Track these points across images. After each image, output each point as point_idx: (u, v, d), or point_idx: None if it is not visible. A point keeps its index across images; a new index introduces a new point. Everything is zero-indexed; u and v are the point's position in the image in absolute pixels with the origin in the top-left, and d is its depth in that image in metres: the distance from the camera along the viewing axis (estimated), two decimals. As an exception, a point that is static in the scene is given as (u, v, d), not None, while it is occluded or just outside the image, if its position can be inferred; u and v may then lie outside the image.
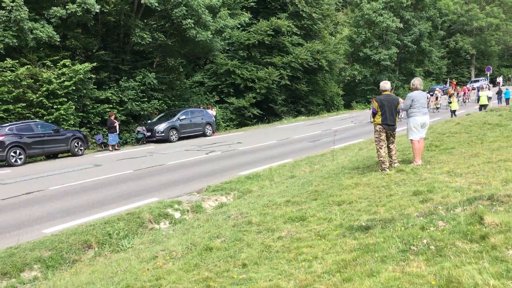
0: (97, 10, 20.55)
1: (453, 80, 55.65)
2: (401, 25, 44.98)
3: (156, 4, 21.88)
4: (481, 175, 6.81)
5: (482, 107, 25.57)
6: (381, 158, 8.53)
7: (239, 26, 30.92)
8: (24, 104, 19.26)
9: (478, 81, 54.59)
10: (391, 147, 8.78)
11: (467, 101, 36.90)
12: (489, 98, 27.39)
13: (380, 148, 8.53)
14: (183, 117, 23.58)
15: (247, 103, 31.78)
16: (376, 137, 8.62)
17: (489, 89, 35.15)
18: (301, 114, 36.13)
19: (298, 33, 36.08)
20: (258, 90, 32.02)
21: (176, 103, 27.50)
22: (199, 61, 34.95)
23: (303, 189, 8.63)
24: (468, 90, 39.04)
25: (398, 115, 9.01)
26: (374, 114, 8.79)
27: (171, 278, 4.92)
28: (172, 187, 11.89)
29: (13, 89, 18.80)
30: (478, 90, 30.96)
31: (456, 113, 24.92)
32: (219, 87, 32.27)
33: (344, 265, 4.28)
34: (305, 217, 6.32)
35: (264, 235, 5.90)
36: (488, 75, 53.40)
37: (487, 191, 5.66)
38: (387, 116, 8.50)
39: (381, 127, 8.54)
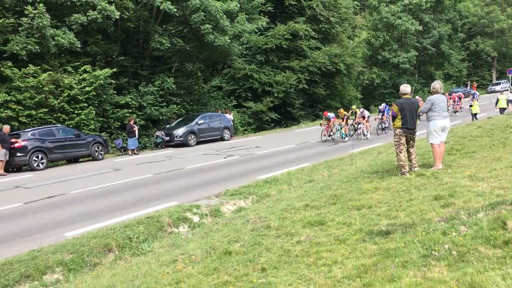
0: (117, 17, 20.85)
1: (474, 82, 54.81)
2: (420, 28, 44.53)
3: (175, 10, 22.10)
4: (504, 179, 6.69)
5: (502, 110, 25.10)
6: (401, 162, 8.44)
7: (257, 30, 31.02)
8: (46, 110, 19.61)
9: (499, 83, 53.64)
10: (411, 151, 8.69)
11: (459, 111, 29.89)
12: (509, 101, 26.63)
13: (400, 152, 8.44)
14: (201, 121, 23.71)
15: (264, 107, 31.79)
16: (396, 141, 8.54)
17: (511, 92, 33.94)
18: (319, 118, 35.93)
19: (316, 37, 36.01)
20: (275, 94, 32.02)
21: (194, 107, 27.67)
22: (217, 66, 35.13)
23: (321, 193, 8.60)
24: (459, 98, 30.96)
25: (418, 118, 8.91)
26: (393, 118, 8.71)
27: (191, 281, 4.94)
28: (190, 191, 11.96)
29: (36, 95, 19.16)
30: (473, 98, 26.03)
31: (477, 116, 24.54)
32: (237, 91, 32.37)
33: (364, 270, 4.25)
34: (324, 222, 6.29)
35: (283, 240, 5.90)
36: (510, 77, 52.44)
37: (510, 195, 5.56)
38: (407, 119, 8.41)
39: (401, 131, 8.46)
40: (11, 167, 16.94)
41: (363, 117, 21.09)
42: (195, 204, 10.24)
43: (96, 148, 19.21)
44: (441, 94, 8.76)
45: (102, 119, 22.25)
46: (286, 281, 4.44)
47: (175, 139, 22.48)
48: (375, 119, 23.04)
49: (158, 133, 23.33)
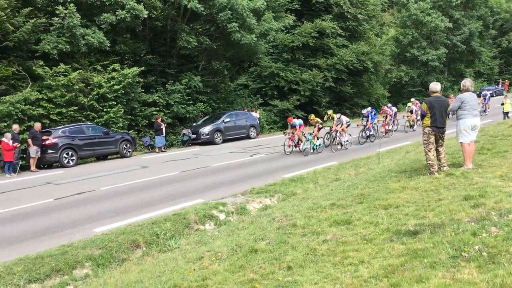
0: (145, 16, 21.13)
1: (506, 80, 53.35)
2: (450, 25, 43.61)
3: (202, 9, 22.25)
4: (538, 180, 6.50)
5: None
6: (430, 162, 8.29)
7: (284, 28, 30.90)
8: (76, 108, 20.03)
9: None
10: (440, 150, 8.52)
11: (395, 127, 23.54)
12: None
13: (429, 151, 8.29)
14: (228, 119, 23.82)
15: (291, 106, 31.70)
16: (425, 140, 8.39)
17: None
18: (345, 116, 35.62)
19: (343, 34, 35.66)
20: (302, 93, 31.88)
21: (221, 105, 27.80)
22: (243, 64, 35.19)
23: (348, 192, 8.53)
24: (391, 116, 22.57)
25: (448, 117, 8.73)
26: (422, 117, 8.56)
27: (217, 278, 4.98)
28: (216, 189, 12.05)
29: (66, 93, 19.59)
30: (505, 97, 24.12)
31: (509, 115, 23.89)
32: (263, 89, 32.36)
33: (392, 270, 4.20)
34: (351, 221, 6.24)
35: (309, 238, 5.88)
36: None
37: (544, 196, 5.40)
38: (437, 118, 8.25)
39: (430, 129, 8.30)
40: (43, 164, 17.39)
41: (341, 124, 18.10)
42: (221, 202, 10.31)
43: (124, 146, 19.53)
44: (471, 92, 8.57)
45: (130, 117, 22.58)
46: (312, 279, 4.43)
47: (202, 137, 22.65)
48: (358, 125, 20.28)
49: (184, 131, 23.56)
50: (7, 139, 15.90)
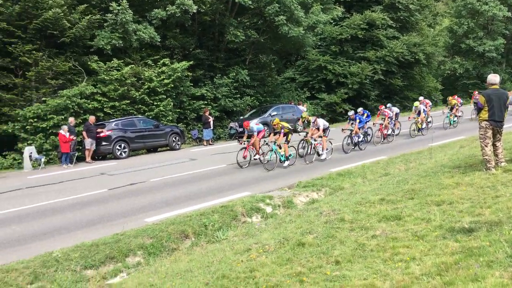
0: (195, 10, 21.45)
1: None
2: (509, 14, 41.42)
3: (250, 2, 22.30)
4: None
5: None
6: (486, 157, 7.94)
7: (332, 21, 30.48)
8: (128, 101, 20.63)
9: None
10: (497, 145, 8.13)
11: (396, 131, 19.41)
12: None
13: (486, 146, 7.93)
14: (274, 113, 23.77)
15: (338, 99, 31.25)
16: (481, 134, 8.01)
17: None
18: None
19: (394, 25, 34.68)
20: (350, 86, 31.34)
21: (268, 99, 27.81)
22: (290, 57, 35.02)
23: (398, 187, 8.32)
24: (390, 118, 18.51)
25: (506, 110, 8.31)
26: (479, 110, 8.19)
27: (265, 270, 5.01)
28: (263, 182, 12.10)
29: (119, 87, 20.23)
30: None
31: None
32: (310, 83, 32.06)
33: (445, 268, 4.07)
34: (401, 217, 6.09)
35: (357, 233, 5.79)
36: None
37: None
38: (495, 111, 7.85)
39: (487, 123, 7.92)
40: (97, 155, 18.06)
41: (317, 129, 15.01)
42: (268, 195, 10.35)
43: (173, 139, 19.95)
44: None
45: (179, 110, 23.04)
46: (361, 275, 4.37)
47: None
48: (343, 130, 16.42)
49: (232, 124, 23.76)
50: (64, 131, 16.61)
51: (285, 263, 5.17)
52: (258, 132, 14.89)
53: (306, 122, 16.70)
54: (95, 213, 9.79)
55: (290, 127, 14.69)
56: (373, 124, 18.34)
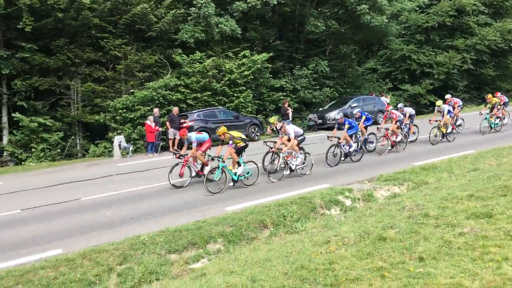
0: (275, 2, 21.52)
1: None
2: None
3: (331, -8, 21.98)
4: None
5: None
6: None
7: (417, 8, 29.18)
8: (210, 93, 21.20)
9: None
10: None
11: (411, 137, 16.28)
12: None
13: None
14: (355, 104, 23.27)
15: (423, 90, 29.89)
16: None
17: None
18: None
19: (486, 11, 32.41)
20: (436, 76, 29.83)
21: (348, 90, 27.31)
22: (372, 47, 34.06)
23: (489, 183, 7.84)
24: (400, 122, 15.44)
25: None
26: None
27: (344, 263, 4.95)
28: (342, 175, 11.93)
29: (201, 79, 20.86)
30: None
31: None
32: (393, 73, 30.95)
33: (543, 271, 3.78)
34: (492, 214, 5.74)
35: (443, 230, 5.54)
36: None
37: None
38: None
39: None
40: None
41: (289, 138, 12.08)
42: (347, 188, 10.20)
43: (252, 130, 20.23)
44: None
45: (258, 101, 23.32)
46: (447, 273, 4.18)
47: (328, 122, 22.47)
48: (329, 138, 13.21)
49: (311, 116, 23.63)
50: (150, 121, 17.45)
51: (365, 257, 5.08)
52: (200, 144, 11.92)
53: (275, 129, 13.54)
54: (179, 200, 10.22)
55: (243, 136, 11.63)
56: (378, 129, 15.32)
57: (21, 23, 16.67)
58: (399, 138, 14.96)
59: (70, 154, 18.73)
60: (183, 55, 21.12)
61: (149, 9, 19.46)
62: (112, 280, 6.55)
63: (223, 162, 10.80)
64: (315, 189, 10.36)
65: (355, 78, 28.56)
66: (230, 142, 11.08)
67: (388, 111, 15.37)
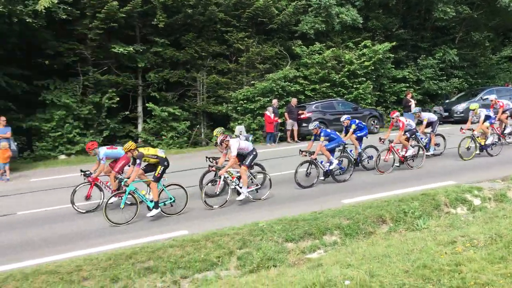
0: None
1: None
2: None
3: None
4: None
5: None
6: None
7: None
8: (328, 84, 21.02)
9: None
10: None
11: (430, 150, 13.03)
12: None
13: None
14: (487, 96, 21.31)
15: None
16: None
17: None
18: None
19: None
20: None
21: (479, 81, 25.23)
22: (509, 33, 30.86)
23: None
24: (410, 131, 12.40)
25: None
26: None
27: (472, 266, 4.62)
28: (468, 171, 11.11)
29: (320, 70, 20.75)
30: None
31: None
32: (534, 62, 27.87)
33: None
34: None
35: None
36: None
37: None
38: None
39: None
40: (299, 136, 18.92)
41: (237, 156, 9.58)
42: (476, 186, 9.48)
43: (372, 122, 19.63)
44: None
45: (378, 93, 22.59)
46: None
47: (455, 115, 20.96)
48: (301, 152, 10.71)
49: (436, 108, 22.20)
50: (269, 112, 17.86)
51: (497, 261, 4.68)
52: (115, 161, 9.95)
53: (219, 143, 9.98)
54: (295, 191, 10.32)
55: (160, 154, 9.04)
56: (381, 141, 12.06)
57: (155, 19, 18.01)
58: (410, 152, 12.05)
59: (196, 142, 19.90)
60: (302, 46, 21.22)
61: (271, 2, 19.82)
62: (232, 263, 6.87)
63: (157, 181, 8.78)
64: (439, 185, 9.76)
65: (488, 68, 26.20)
66: (138, 161, 8.58)
67: (392, 119, 12.43)
